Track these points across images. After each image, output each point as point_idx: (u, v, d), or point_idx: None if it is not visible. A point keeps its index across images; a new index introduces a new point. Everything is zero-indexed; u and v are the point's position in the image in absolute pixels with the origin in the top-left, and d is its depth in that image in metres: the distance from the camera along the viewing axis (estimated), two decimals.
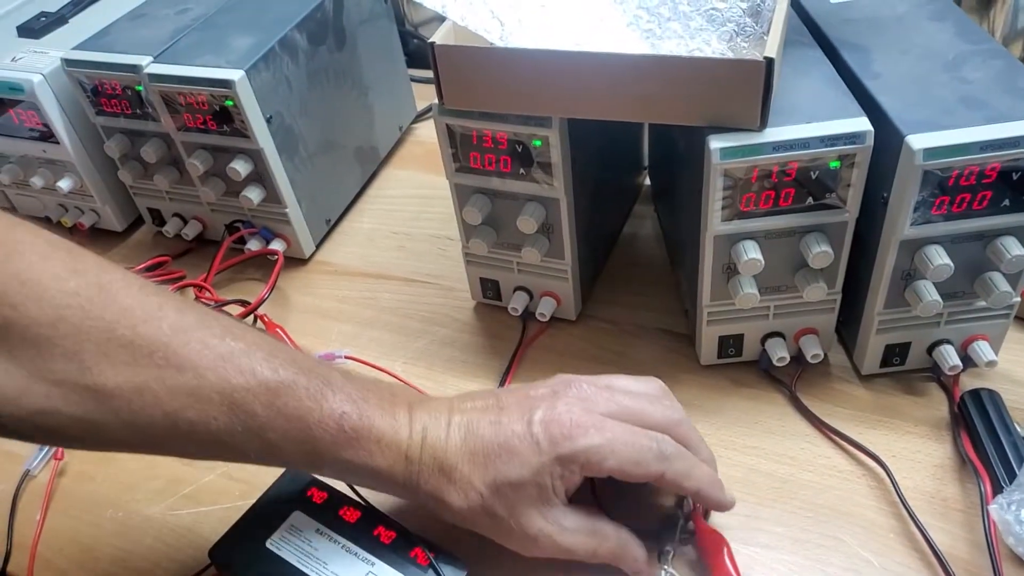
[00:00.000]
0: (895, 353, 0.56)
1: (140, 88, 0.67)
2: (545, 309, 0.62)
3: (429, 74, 0.95)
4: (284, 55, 0.66)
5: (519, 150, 0.55)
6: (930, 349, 0.55)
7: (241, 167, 0.66)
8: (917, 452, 0.53)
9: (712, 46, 0.51)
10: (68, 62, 0.68)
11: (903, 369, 0.57)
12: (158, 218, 0.78)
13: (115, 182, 0.77)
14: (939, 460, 0.52)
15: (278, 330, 0.65)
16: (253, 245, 0.72)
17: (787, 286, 0.54)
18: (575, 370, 0.60)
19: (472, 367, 0.63)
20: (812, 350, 0.56)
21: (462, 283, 0.69)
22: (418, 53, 0.91)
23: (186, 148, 0.69)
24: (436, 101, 0.55)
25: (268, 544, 0.50)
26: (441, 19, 0.99)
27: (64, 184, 0.75)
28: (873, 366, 0.56)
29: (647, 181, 0.78)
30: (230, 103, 0.63)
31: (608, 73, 0.48)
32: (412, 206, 0.80)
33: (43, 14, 0.77)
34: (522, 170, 0.56)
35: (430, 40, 0.51)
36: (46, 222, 0.81)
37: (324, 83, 0.72)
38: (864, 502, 0.50)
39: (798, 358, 0.57)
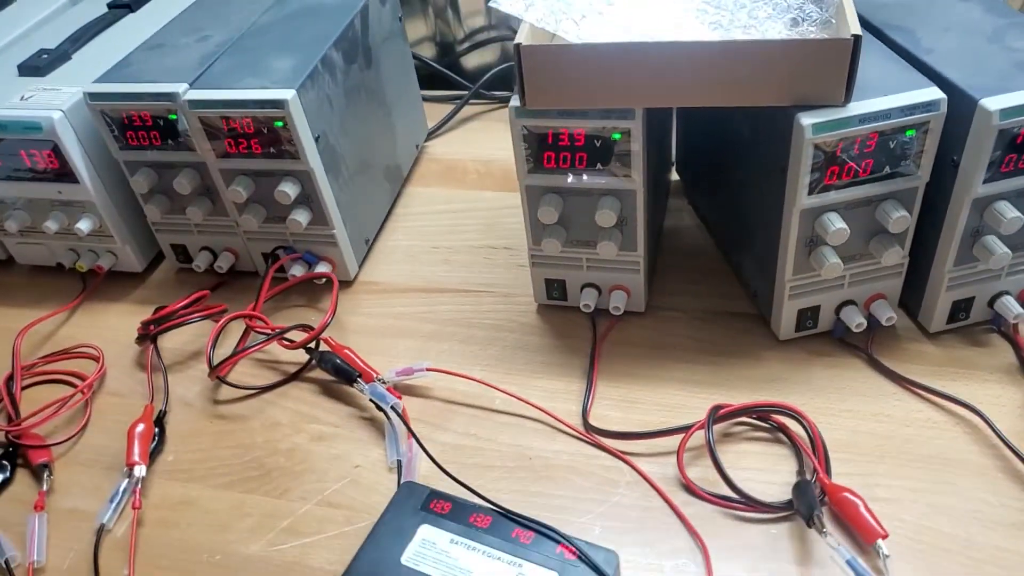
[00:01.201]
0: (961, 308, 0.59)
1: (173, 117, 0.65)
2: (618, 302, 0.63)
3: (432, 92, 0.93)
4: (326, 73, 0.66)
5: (597, 145, 0.56)
6: (991, 301, 0.59)
7: (290, 189, 0.65)
8: (999, 397, 0.56)
9: (780, 33, 0.54)
10: (92, 96, 0.65)
11: (967, 323, 0.60)
12: (182, 254, 0.75)
13: (135, 220, 0.74)
14: (1022, 402, 0.55)
15: (347, 351, 0.64)
16: (296, 271, 0.71)
17: (861, 254, 0.57)
18: (656, 359, 0.62)
19: (553, 367, 0.63)
20: (886, 313, 0.59)
21: (518, 287, 0.69)
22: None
23: (225, 176, 0.67)
24: (514, 104, 0.55)
25: (404, 561, 0.49)
26: (434, 39, 1.00)
27: (84, 225, 0.71)
28: (941, 323, 0.60)
29: (674, 176, 0.80)
30: (280, 124, 0.62)
31: (697, 61, 0.50)
32: (444, 220, 0.80)
33: (44, 51, 0.74)
34: (600, 164, 0.57)
35: (515, 42, 0.52)
36: (58, 269, 0.77)
37: (357, 101, 0.72)
38: (966, 447, 0.53)
39: (867, 323, 0.60)
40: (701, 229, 0.74)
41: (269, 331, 0.65)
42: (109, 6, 0.82)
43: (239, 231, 0.71)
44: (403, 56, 0.82)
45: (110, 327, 0.73)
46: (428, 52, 1.01)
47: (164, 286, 0.77)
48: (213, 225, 0.72)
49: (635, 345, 0.64)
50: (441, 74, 0.96)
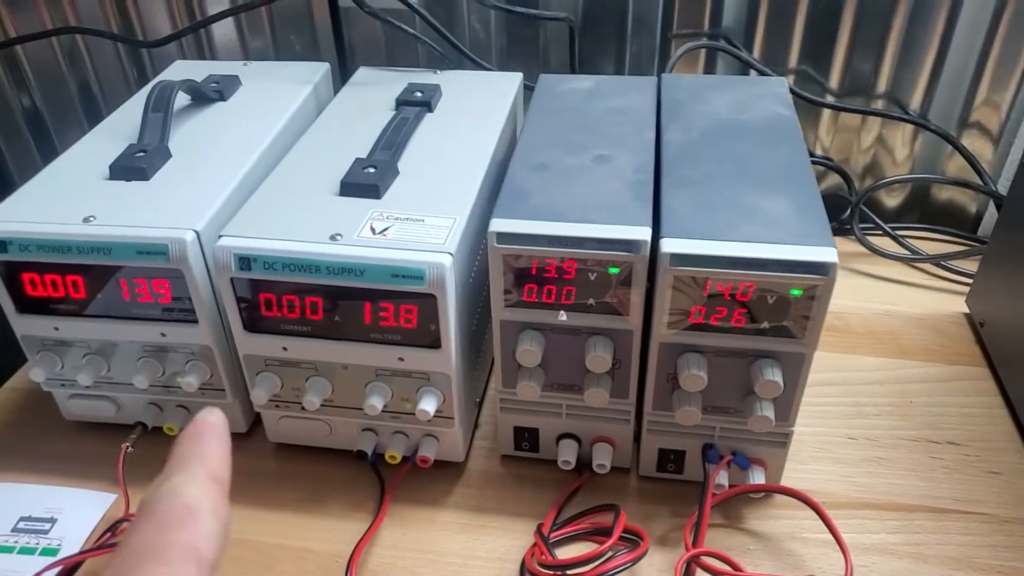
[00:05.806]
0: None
1: (614, 270, 0.45)
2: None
3: None
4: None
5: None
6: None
7: (776, 375, 0.47)
8: None
9: None
10: (500, 236, 0.46)
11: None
12: (529, 439, 0.55)
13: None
14: None
15: None
16: (721, 479, 0.51)
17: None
18: None
19: None
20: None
21: None
22: None
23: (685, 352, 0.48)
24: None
25: None
26: None
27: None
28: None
29: None
30: (797, 293, 0.44)
31: None
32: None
33: (362, 162, 0.54)
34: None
35: None
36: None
37: None
38: None
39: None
40: None
41: None
42: (400, 103, 0.63)
43: (676, 421, 0.51)
44: None
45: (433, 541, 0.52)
46: None
47: (487, 482, 0.56)
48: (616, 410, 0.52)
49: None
50: None
